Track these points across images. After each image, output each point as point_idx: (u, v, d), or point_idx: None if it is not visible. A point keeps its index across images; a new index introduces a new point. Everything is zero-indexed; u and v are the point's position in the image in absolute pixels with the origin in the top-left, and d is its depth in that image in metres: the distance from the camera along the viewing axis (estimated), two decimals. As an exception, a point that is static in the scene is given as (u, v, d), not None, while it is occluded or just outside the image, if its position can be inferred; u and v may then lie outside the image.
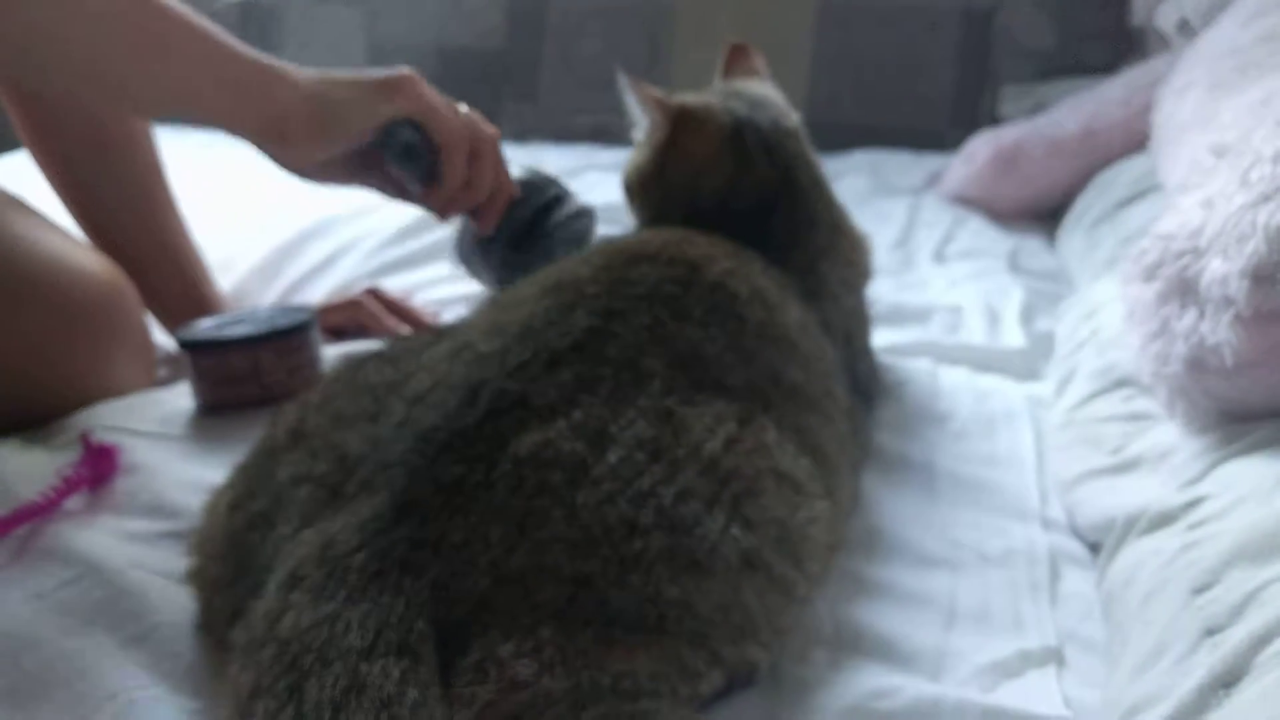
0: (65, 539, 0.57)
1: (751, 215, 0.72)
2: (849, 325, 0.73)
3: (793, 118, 0.79)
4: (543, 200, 0.80)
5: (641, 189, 0.77)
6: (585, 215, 0.81)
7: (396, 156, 0.73)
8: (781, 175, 0.74)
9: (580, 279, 0.57)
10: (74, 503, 0.61)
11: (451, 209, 0.77)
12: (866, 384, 0.75)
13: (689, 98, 0.77)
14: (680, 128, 0.74)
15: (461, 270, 0.84)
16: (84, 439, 0.65)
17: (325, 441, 0.51)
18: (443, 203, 0.76)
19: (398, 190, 0.78)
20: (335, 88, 0.71)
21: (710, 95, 0.78)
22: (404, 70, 0.73)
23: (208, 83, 0.68)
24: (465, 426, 0.48)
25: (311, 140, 0.70)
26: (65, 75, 0.66)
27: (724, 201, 0.73)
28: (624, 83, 0.76)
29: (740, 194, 0.73)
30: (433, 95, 0.73)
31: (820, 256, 0.72)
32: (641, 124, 0.78)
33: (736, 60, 0.86)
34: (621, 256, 0.60)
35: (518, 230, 0.78)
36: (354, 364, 0.57)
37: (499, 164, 0.77)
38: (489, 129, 0.77)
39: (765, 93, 0.80)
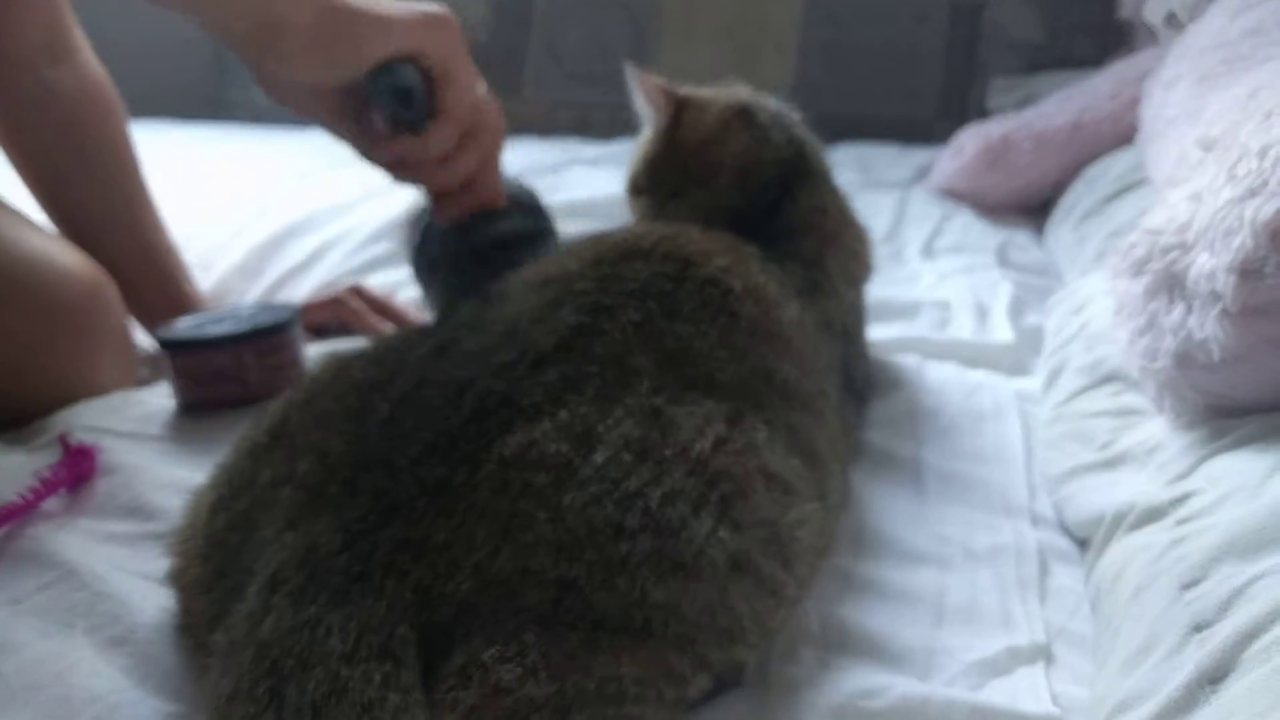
0: (43, 541, 0.56)
1: (766, 197, 0.72)
2: (848, 321, 0.73)
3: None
4: (527, 228, 0.71)
5: (652, 175, 0.77)
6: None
7: (388, 95, 0.63)
8: (796, 154, 0.75)
9: (569, 274, 0.56)
10: (52, 504, 0.61)
11: (413, 173, 0.67)
12: (861, 383, 0.75)
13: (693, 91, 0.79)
14: (683, 109, 0.76)
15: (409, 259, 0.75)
16: (63, 440, 0.64)
17: (308, 441, 0.50)
18: (408, 159, 0.65)
19: (364, 142, 0.67)
20: (363, 3, 0.61)
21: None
22: (445, 11, 0.64)
23: None
24: (450, 427, 0.47)
25: (308, 58, 0.59)
26: None
27: (743, 175, 0.73)
28: (631, 75, 0.77)
29: (758, 167, 0.73)
30: (464, 52, 0.65)
31: (827, 245, 0.73)
32: (648, 119, 0.78)
33: None
34: (614, 252, 0.59)
35: (481, 246, 0.68)
36: (338, 363, 0.56)
37: (492, 158, 0.69)
38: (496, 118, 0.68)
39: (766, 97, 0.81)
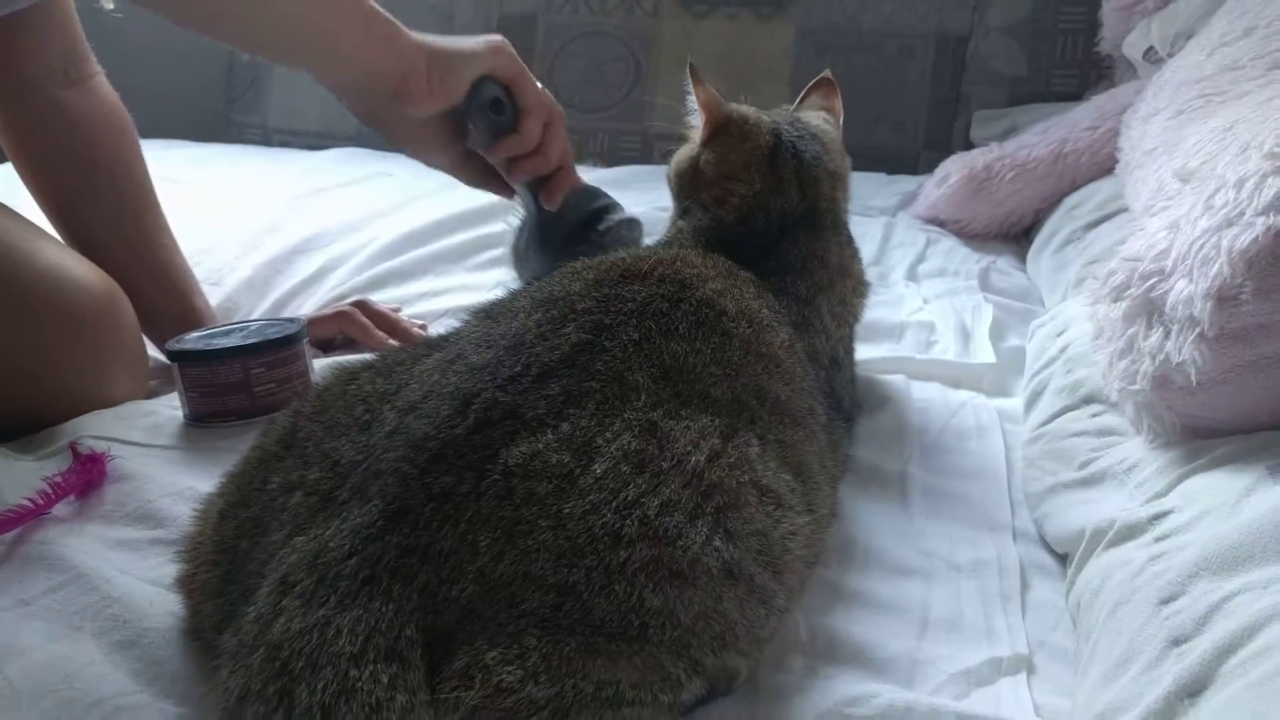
0: (53, 545, 0.57)
1: (768, 236, 0.75)
2: (836, 351, 0.76)
3: (842, 163, 0.82)
4: (599, 203, 0.85)
5: (679, 180, 0.80)
6: (636, 224, 0.86)
7: (482, 109, 0.78)
8: (807, 209, 0.77)
9: (572, 294, 0.58)
10: (62, 510, 0.62)
11: (522, 168, 0.81)
12: (849, 405, 0.77)
13: (744, 108, 0.80)
14: (721, 131, 0.78)
15: (512, 265, 0.88)
16: (73, 447, 0.65)
17: (318, 449, 0.51)
18: (513, 156, 0.79)
19: (468, 169, 0.82)
20: (445, 43, 0.75)
21: (771, 115, 0.81)
22: (501, 38, 0.79)
23: (354, 31, 0.70)
24: (456, 436, 0.48)
25: (431, 93, 0.74)
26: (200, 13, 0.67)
27: (747, 214, 0.75)
28: (689, 77, 0.79)
29: (764, 212, 0.76)
30: (522, 65, 0.79)
31: (821, 291, 0.75)
32: (694, 120, 0.81)
33: (816, 92, 0.89)
34: (614, 273, 0.61)
35: (578, 222, 0.83)
36: (347, 374, 0.58)
37: (565, 140, 0.82)
38: (559, 110, 0.82)
39: (824, 130, 0.82)
